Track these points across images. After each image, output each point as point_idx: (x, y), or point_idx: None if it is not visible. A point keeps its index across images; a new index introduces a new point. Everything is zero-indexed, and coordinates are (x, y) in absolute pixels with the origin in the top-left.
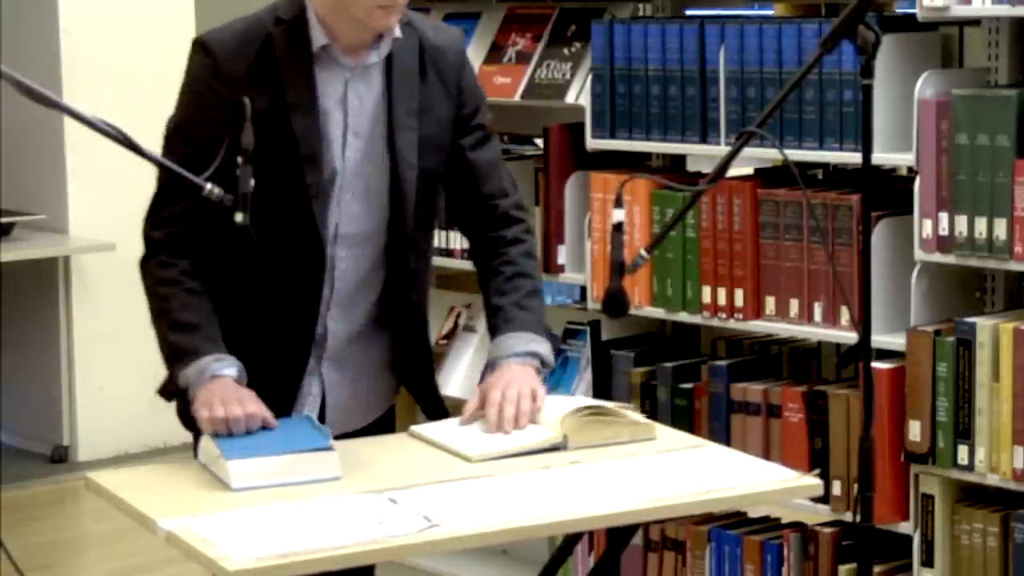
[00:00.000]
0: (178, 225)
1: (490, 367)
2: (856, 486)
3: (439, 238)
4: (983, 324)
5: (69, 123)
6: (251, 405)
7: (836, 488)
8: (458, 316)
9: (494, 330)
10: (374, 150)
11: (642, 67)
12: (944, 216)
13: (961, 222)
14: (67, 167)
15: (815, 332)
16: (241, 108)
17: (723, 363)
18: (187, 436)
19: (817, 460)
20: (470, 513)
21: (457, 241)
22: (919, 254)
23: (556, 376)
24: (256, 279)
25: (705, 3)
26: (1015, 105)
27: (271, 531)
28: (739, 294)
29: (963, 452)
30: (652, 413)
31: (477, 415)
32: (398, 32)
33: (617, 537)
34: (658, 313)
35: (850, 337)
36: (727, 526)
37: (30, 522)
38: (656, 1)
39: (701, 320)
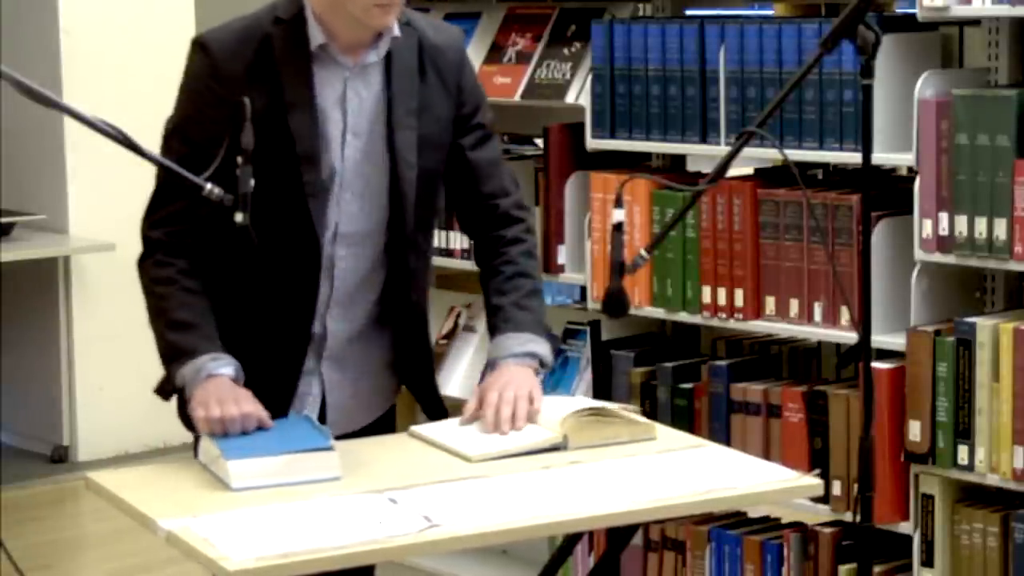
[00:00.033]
0: (176, 224)
1: (489, 367)
2: (856, 486)
3: (439, 238)
4: (983, 324)
5: (69, 123)
6: (247, 405)
7: (836, 488)
8: (458, 316)
9: (493, 330)
10: (373, 149)
11: (642, 67)
12: (944, 216)
13: (961, 222)
14: (67, 167)
15: (815, 332)
16: (241, 108)
17: (723, 363)
18: (187, 436)
19: (817, 460)
20: (470, 513)
21: (457, 241)
22: (919, 254)
23: (556, 376)
24: (253, 278)
25: (705, 3)
26: (1015, 105)
27: (271, 531)
28: (739, 294)
29: (963, 452)
30: (652, 413)
31: (477, 415)
32: (397, 31)
33: (617, 537)
34: (658, 313)
35: (850, 337)
36: (727, 526)
37: (30, 522)
38: (656, 1)
39: (701, 320)
